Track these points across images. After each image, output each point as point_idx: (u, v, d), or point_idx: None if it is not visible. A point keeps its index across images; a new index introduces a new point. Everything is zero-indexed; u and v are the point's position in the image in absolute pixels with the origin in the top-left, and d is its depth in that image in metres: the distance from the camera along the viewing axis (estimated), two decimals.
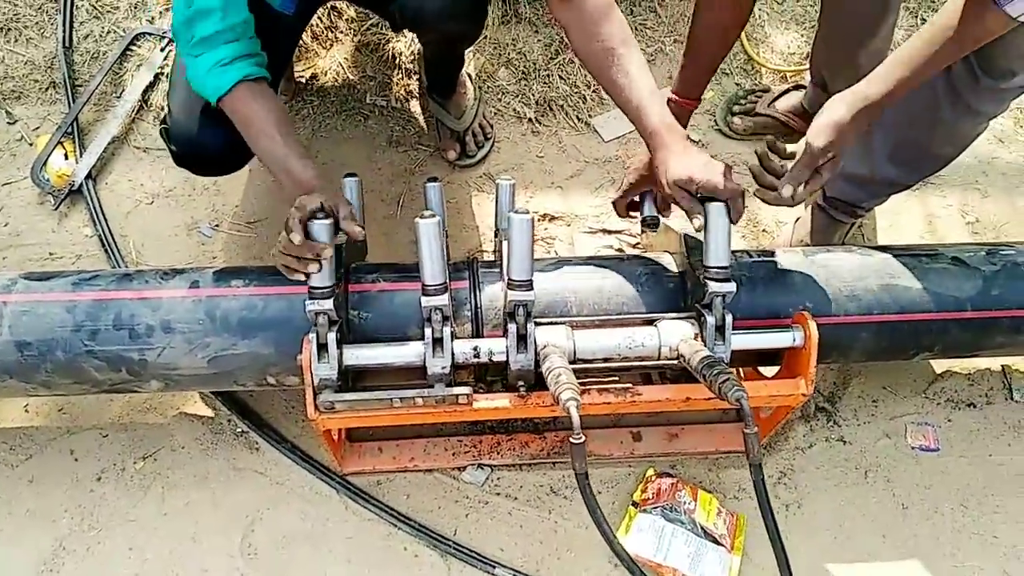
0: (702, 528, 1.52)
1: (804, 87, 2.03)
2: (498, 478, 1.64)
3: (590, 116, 2.10)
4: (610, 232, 1.95)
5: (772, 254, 1.53)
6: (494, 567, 1.53)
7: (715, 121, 2.10)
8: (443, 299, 1.31)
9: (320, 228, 1.27)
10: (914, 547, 1.58)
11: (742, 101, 2.07)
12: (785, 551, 1.10)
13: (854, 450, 1.68)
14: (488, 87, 2.11)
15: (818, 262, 1.51)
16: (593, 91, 2.12)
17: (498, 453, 1.64)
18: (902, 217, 1.99)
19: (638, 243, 1.88)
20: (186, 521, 1.58)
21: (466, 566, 1.54)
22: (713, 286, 1.30)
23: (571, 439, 1.08)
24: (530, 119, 2.08)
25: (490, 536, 1.58)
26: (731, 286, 1.31)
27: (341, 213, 1.29)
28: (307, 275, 1.28)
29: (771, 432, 1.57)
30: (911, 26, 2.21)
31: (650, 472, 1.61)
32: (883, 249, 1.55)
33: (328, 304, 1.28)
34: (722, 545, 1.51)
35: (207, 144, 1.51)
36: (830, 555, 1.57)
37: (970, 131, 1.58)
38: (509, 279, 1.31)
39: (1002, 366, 1.78)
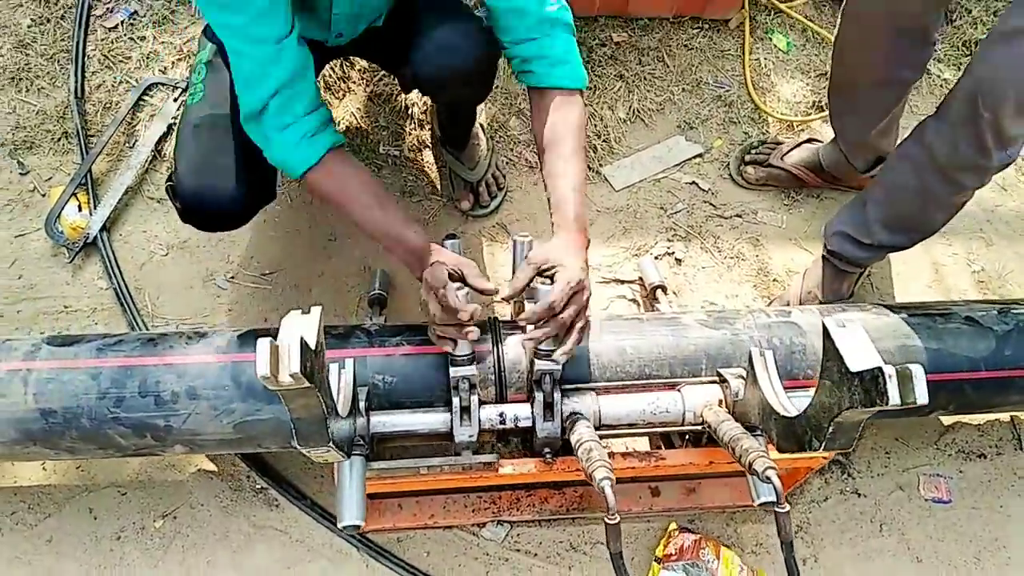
0: None
1: (817, 140, 2.07)
2: (518, 534, 1.65)
3: (600, 165, 2.12)
4: (623, 282, 1.97)
5: (789, 314, 1.56)
6: None
7: (727, 169, 2.13)
8: (471, 369, 1.33)
9: (459, 295, 1.27)
10: None
11: (753, 151, 2.11)
12: None
13: (868, 503, 1.70)
14: (500, 137, 2.14)
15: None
16: (603, 140, 2.14)
17: (517, 509, 1.65)
18: (909, 266, 2.03)
19: (649, 294, 1.90)
20: None
21: None
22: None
23: (606, 519, 1.10)
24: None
25: None
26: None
27: (467, 272, 1.30)
28: (463, 340, 1.29)
29: (790, 489, 1.59)
30: None
31: (672, 527, 1.62)
32: (897, 308, 1.58)
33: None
34: None
35: (214, 200, 1.50)
36: None
37: (957, 200, 1.64)
38: (537, 349, 1.32)
39: (1011, 416, 1.81)
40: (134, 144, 2.06)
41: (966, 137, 1.47)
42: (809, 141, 2.08)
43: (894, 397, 0.90)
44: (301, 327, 0.95)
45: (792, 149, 2.07)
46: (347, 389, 1.23)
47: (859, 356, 0.98)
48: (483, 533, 1.65)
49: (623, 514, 1.65)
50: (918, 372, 0.90)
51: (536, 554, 1.63)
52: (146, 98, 2.11)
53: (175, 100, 2.10)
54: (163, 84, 2.12)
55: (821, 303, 1.86)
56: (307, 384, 0.90)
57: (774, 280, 2.00)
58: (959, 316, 1.55)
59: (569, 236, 1.35)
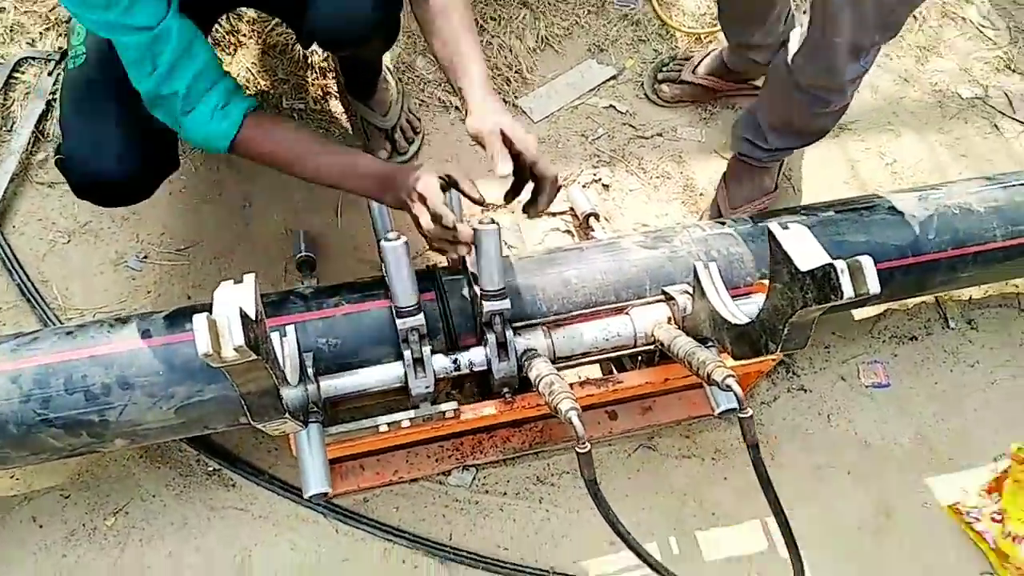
0: None
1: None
2: (484, 476, 1.65)
3: (516, 98, 2.07)
4: (555, 214, 1.95)
5: (723, 224, 1.57)
6: (494, 565, 1.55)
7: (642, 89, 2.11)
8: (418, 319, 1.29)
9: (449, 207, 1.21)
10: (879, 481, 1.69)
11: (665, 68, 2.09)
12: (788, 522, 1.15)
13: (815, 397, 1.77)
14: (408, 78, 2.05)
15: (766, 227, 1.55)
16: (515, 72, 2.09)
17: (481, 452, 1.64)
18: (826, 165, 2.07)
19: (582, 223, 1.89)
20: (172, 573, 1.52)
21: (467, 569, 1.55)
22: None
23: (577, 449, 1.09)
24: (456, 107, 2.04)
25: (485, 535, 1.59)
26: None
27: (458, 178, 1.28)
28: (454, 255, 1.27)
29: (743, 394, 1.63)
30: None
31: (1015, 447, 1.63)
32: (823, 206, 1.61)
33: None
34: None
35: (109, 171, 1.38)
36: (803, 500, 1.66)
37: (833, 109, 1.66)
38: (482, 290, 1.30)
39: (935, 298, 1.90)
40: (12, 127, 1.89)
41: (819, 59, 1.51)
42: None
43: (848, 290, 0.91)
44: (237, 297, 0.90)
45: (701, 62, 2.06)
46: (293, 356, 1.18)
47: (807, 255, 0.99)
48: (450, 481, 1.64)
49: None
50: (867, 263, 0.91)
51: (505, 493, 1.63)
52: (17, 75, 1.93)
53: (50, 74, 1.93)
54: (34, 58, 1.95)
55: (749, 201, 1.89)
56: (253, 357, 0.85)
57: (700, 194, 2.01)
58: (883, 207, 1.60)
59: (494, 97, 1.28)
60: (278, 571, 1.54)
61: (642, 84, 2.12)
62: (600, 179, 2.01)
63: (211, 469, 1.62)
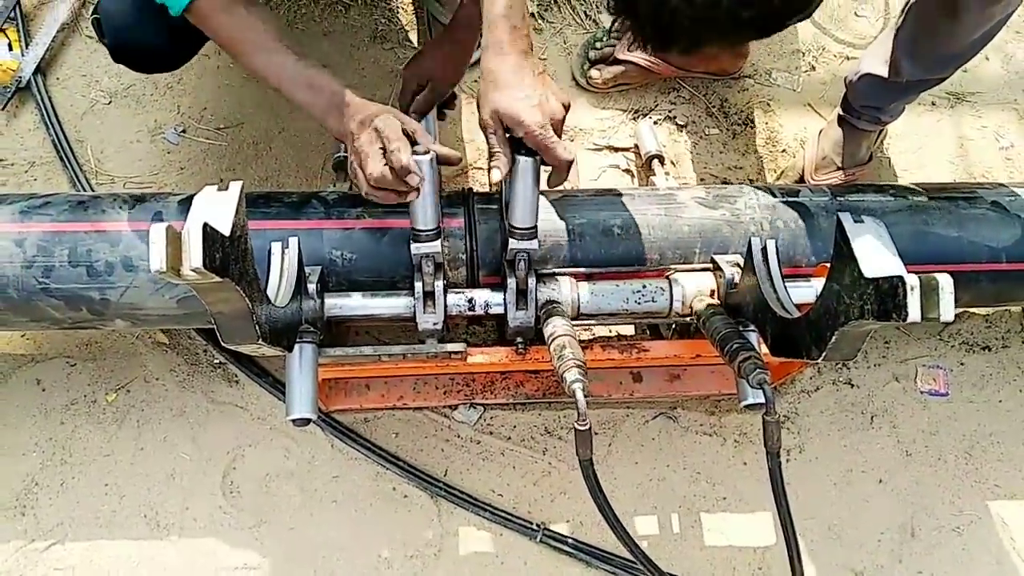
0: None
1: None
2: (491, 417, 1.57)
3: (599, 11, 1.88)
4: (616, 149, 1.79)
5: (797, 193, 1.40)
6: (485, 510, 1.49)
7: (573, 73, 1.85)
8: (435, 246, 1.18)
9: (415, 156, 1.07)
10: (914, 494, 1.55)
11: (598, 44, 1.81)
12: (797, 542, 1.04)
13: (861, 394, 1.62)
14: None
15: (846, 204, 1.38)
16: None
17: (492, 392, 1.55)
18: (932, 139, 1.84)
19: (645, 164, 1.73)
20: (164, 457, 1.51)
21: (456, 508, 1.49)
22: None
23: (576, 425, 0.99)
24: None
25: (482, 477, 1.53)
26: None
27: (419, 134, 1.09)
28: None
29: (781, 380, 1.49)
30: None
31: None
32: (919, 190, 1.42)
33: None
34: None
35: (146, 36, 1.32)
36: (826, 501, 1.54)
37: (999, 12, 1.35)
38: (510, 226, 1.18)
39: (1022, 307, 1.69)
40: None
41: None
42: None
43: (914, 312, 0.76)
44: (216, 207, 0.80)
45: None
46: (291, 272, 1.09)
47: (876, 259, 0.83)
48: (455, 416, 1.56)
49: (603, 399, 1.58)
50: (947, 285, 0.76)
51: (510, 438, 1.56)
52: None
53: None
54: None
55: (838, 168, 1.69)
56: (215, 279, 0.76)
57: (783, 151, 1.82)
58: (985, 201, 1.40)
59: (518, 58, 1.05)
60: (268, 475, 1.51)
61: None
62: (675, 116, 1.83)
63: (217, 362, 1.58)
